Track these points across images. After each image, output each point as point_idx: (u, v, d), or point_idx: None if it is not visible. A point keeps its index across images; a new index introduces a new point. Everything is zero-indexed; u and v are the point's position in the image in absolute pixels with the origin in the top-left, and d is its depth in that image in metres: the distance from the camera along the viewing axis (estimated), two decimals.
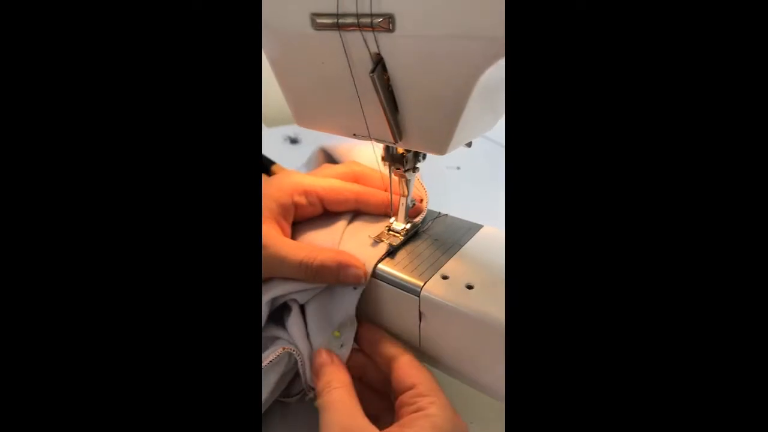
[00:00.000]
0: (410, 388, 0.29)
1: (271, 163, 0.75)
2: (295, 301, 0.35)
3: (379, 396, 0.34)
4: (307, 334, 0.35)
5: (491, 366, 0.31)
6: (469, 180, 0.73)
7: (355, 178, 0.40)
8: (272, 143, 0.91)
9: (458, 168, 0.75)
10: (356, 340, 0.35)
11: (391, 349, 0.33)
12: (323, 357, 0.33)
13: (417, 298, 0.32)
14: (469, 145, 0.34)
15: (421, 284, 0.32)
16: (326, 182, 0.38)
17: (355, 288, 0.35)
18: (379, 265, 0.35)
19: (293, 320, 0.35)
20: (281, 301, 0.35)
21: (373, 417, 0.34)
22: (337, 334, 0.34)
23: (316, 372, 0.32)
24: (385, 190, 0.38)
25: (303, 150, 0.90)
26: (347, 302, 0.35)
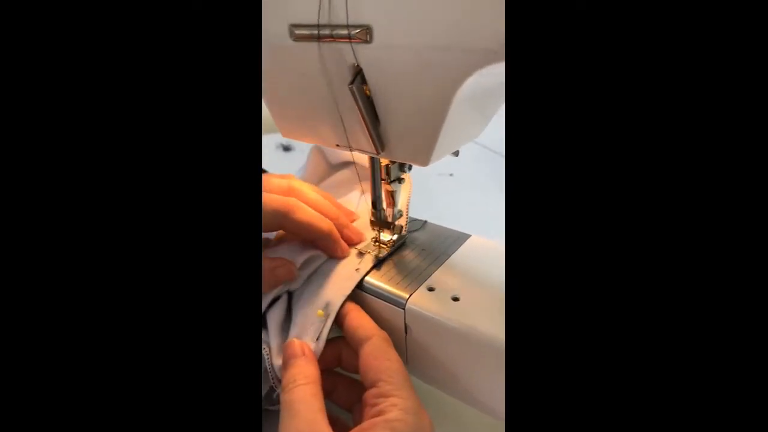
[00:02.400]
0: (373, 384, 0.28)
1: (263, 172, 0.75)
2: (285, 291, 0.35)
3: (353, 385, 0.33)
4: (285, 321, 0.33)
5: (478, 380, 0.31)
6: (462, 187, 0.73)
7: (290, 192, 0.37)
8: (265, 151, 0.90)
9: (451, 175, 0.75)
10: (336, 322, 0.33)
11: (359, 331, 0.31)
12: (293, 348, 0.31)
13: (402, 310, 0.32)
14: (456, 153, 0.34)
15: (407, 296, 0.32)
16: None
17: (357, 269, 0.35)
18: (366, 278, 0.34)
19: (275, 310, 0.33)
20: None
21: (347, 407, 0.33)
22: (320, 313, 0.33)
23: (284, 363, 0.30)
24: (319, 210, 0.36)
25: (296, 157, 0.89)
26: (343, 283, 0.34)
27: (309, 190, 0.37)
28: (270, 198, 0.33)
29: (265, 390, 0.33)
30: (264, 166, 0.76)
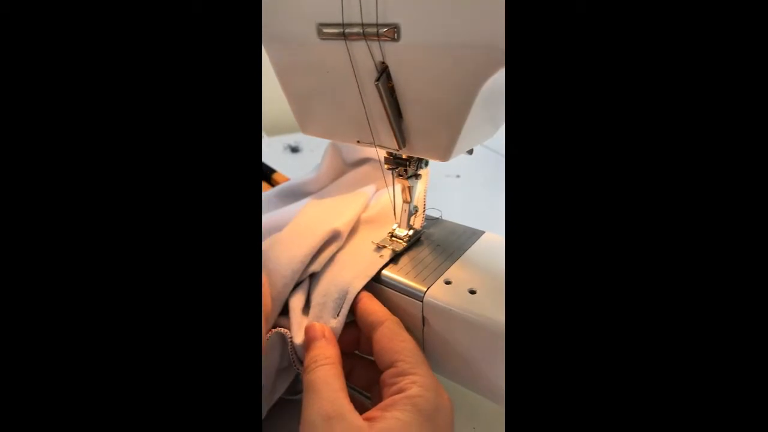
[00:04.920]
0: (390, 365, 0.29)
1: (272, 171, 0.76)
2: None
3: (371, 366, 0.33)
4: (306, 305, 0.34)
5: (494, 371, 0.31)
6: (469, 188, 0.74)
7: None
8: (273, 152, 0.91)
9: (458, 176, 0.76)
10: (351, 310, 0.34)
11: (371, 317, 0.32)
12: (314, 330, 0.31)
13: (420, 303, 0.33)
14: (470, 152, 0.35)
15: (425, 289, 0.33)
16: None
17: (381, 256, 0.36)
18: (383, 271, 0.35)
19: (297, 294, 0.34)
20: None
21: (365, 388, 0.34)
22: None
23: (306, 345, 0.31)
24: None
25: (304, 158, 0.90)
26: (365, 268, 0.35)
27: None
28: None
29: (288, 382, 0.34)
30: (272, 166, 0.77)
